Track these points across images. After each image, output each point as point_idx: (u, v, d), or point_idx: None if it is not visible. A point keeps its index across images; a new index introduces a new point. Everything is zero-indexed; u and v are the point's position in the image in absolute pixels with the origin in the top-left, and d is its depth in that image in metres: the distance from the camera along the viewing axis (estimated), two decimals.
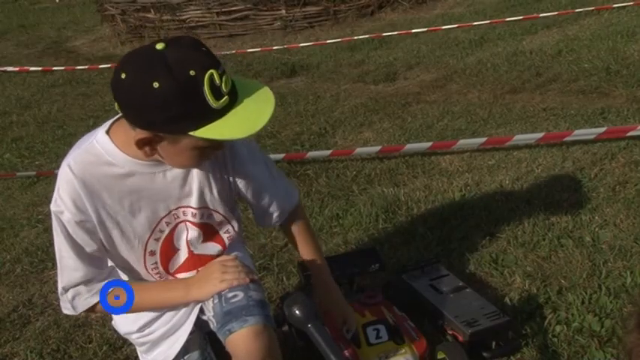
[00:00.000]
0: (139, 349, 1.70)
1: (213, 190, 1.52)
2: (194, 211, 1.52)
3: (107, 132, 1.41)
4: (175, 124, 1.25)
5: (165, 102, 1.21)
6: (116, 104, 1.30)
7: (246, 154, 1.55)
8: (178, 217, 1.53)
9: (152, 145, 1.33)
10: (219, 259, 1.53)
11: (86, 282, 1.46)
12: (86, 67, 7.16)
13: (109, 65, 7.04)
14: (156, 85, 1.19)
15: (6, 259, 2.94)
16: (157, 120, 1.25)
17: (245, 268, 1.51)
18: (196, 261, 1.60)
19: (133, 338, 1.66)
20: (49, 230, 3.11)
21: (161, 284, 1.57)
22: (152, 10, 8.27)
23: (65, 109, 5.59)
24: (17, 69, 7.50)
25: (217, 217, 1.58)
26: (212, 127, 1.25)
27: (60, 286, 1.48)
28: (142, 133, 1.29)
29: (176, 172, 1.46)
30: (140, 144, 1.32)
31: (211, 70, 1.23)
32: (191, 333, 1.59)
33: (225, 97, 1.25)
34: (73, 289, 1.47)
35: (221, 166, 1.52)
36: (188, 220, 1.54)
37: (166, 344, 1.60)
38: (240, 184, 1.57)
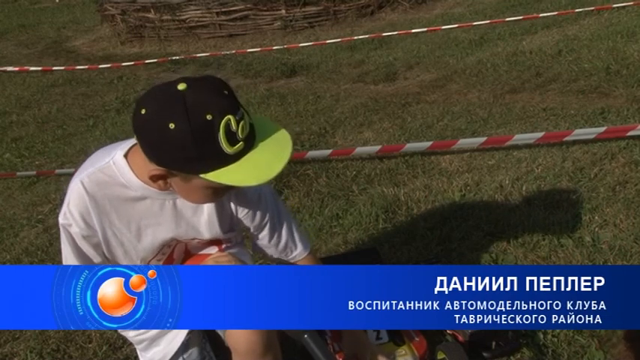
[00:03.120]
0: (137, 347, 1.70)
1: (222, 223, 1.54)
2: (200, 240, 1.56)
3: (125, 155, 1.41)
4: (187, 165, 1.25)
5: (178, 143, 1.21)
6: (135, 136, 1.30)
7: (251, 197, 1.54)
8: (181, 242, 1.56)
9: (165, 180, 1.35)
10: (212, 256, 1.54)
11: None
12: (86, 67, 7.17)
13: (109, 65, 7.06)
14: (172, 126, 1.19)
15: (6, 259, 2.94)
16: (169, 159, 1.25)
17: (239, 263, 1.51)
18: (192, 259, 1.61)
19: (130, 336, 1.66)
20: (49, 230, 3.13)
21: None
22: (152, 10, 8.28)
23: (65, 109, 5.59)
24: (17, 69, 7.51)
25: (222, 236, 1.61)
26: (224, 171, 1.25)
27: None
28: (155, 169, 1.30)
29: (186, 203, 1.46)
30: (154, 178, 1.34)
31: (229, 116, 1.21)
32: (190, 331, 1.59)
33: (240, 143, 1.24)
34: None
35: (227, 201, 1.54)
36: (191, 243, 1.58)
37: (165, 342, 1.61)
38: (243, 221, 1.58)
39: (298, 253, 1.67)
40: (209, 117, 1.20)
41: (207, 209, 1.49)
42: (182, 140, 1.20)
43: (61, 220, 1.42)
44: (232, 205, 1.54)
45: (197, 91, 1.22)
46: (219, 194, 1.40)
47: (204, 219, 1.50)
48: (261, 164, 1.27)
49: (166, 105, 1.21)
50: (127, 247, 1.48)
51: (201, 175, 1.25)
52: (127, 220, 1.44)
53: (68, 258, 1.46)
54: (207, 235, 1.53)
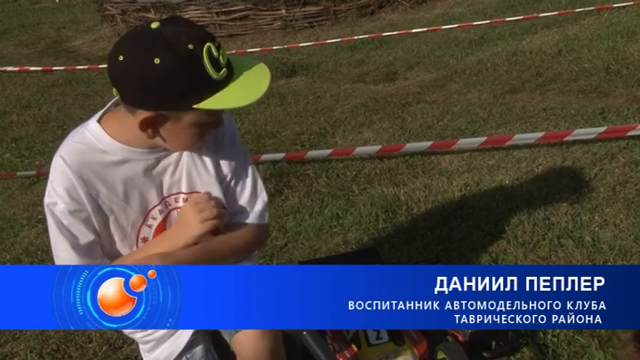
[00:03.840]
0: (142, 348, 1.69)
1: (201, 173, 1.51)
2: (185, 196, 1.52)
3: (99, 121, 1.41)
4: (179, 98, 1.26)
5: (168, 77, 1.23)
6: (114, 89, 1.30)
7: (227, 141, 1.54)
8: (170, 204, 1.52)
9: (155, 127, 1.33)
10: (189, 201, 1.49)
11: None
12: (86, 67, 7.17)
13: None
14: (157, 61, 1.21)
15: (6, 259, 2.94)
16: (160, 96, 1.26)
17: (218, 201, 1.49)
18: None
19: (138, 337, 1.66)
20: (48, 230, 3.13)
21: (143, 249, 1.51)
22: (152, 10, 8.28)
23: (65, 109, 5.60)
24: (17, 69, 7.50)
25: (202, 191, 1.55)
26: (216, 98, 1.28)
27: None
28: (144, 114, 1.29)
29: (168, 160, 1.46)
30: (144, 125, 1.32)
31: (208, 43, 1.25)
32: (195, 332, 1.59)
33: (224, 69, 1.28)
34: None
35: (207, 152, 1.53)
36: (180, 207, 1.53)
37: (169, 342, 1.61)
38: (223, 168, 1.55)
39: (258, 202, 1.58)
40: (191, 46, 1.23)
41: (187, 162, 1.48)
42: (171, 73, 1.22)
43: (46, 200, 1.42)
44: (212, 157, 1.51)
45: (172, 25, 1.26)
46: (204, 133, 1.41)
47: (184, 171, 1.49)
48: (247, 86, 1.33)
49: (146, 44, 1.23)
50: (117, 213, 1.46)
51: (195, 106, 1.27)
52: (113, 184, 1.43)
53: (56, 240, 1.44)
54: (185, 188, 1.50)
